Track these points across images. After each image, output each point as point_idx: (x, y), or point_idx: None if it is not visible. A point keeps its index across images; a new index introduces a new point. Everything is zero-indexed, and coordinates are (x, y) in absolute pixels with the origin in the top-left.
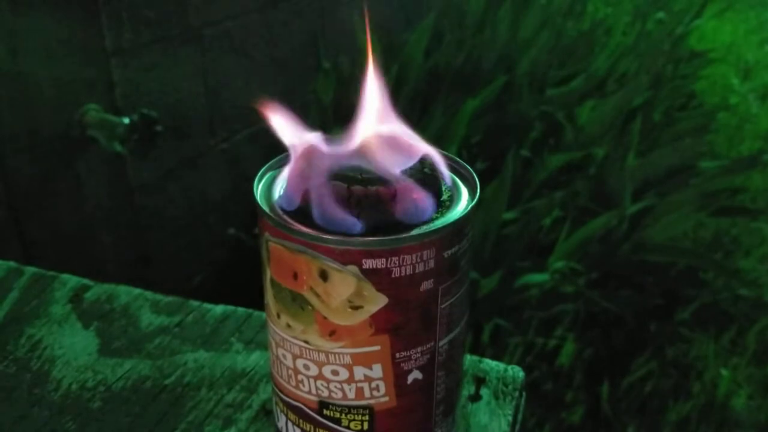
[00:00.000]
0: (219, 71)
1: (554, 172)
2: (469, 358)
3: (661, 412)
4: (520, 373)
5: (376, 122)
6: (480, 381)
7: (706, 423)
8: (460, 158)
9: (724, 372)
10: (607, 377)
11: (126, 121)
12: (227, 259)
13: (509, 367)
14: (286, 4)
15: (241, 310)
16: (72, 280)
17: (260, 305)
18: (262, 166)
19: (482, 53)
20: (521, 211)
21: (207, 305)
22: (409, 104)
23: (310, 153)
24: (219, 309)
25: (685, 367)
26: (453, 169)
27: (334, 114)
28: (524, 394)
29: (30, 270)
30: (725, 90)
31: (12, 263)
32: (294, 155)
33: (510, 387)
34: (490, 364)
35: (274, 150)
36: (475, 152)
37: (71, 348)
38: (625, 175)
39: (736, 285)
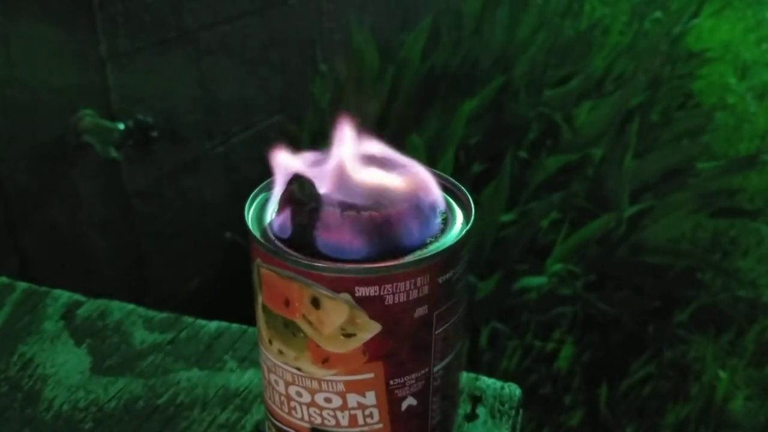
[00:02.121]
0: (215, 75)
1: (552, 173)
2: (465, 376)
3: (660, 414)
4: (517, 391)
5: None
6: (476, 400)
7: (705, 425)
8: (457, 160)
9: (722, 374)
10: (605, 380)
11: (121, 126)
12: (224, 263)
13: (506, 385)
14: (282, 7)
15: (235, 326)
16: (64, 296)
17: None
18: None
19: (479, 54)
20: (519, 213)
21: (201, 321)
22: (406, 106)
23: (301, 178)
24: (213, 325)
25: (684, 368)
26: (447, 191)
27: (331, 117)
28: (521, 411)
29: (22, 285)
30: (723, 89)
31: (4, 278)
32: (285, 180)
33: (506, 405)
34: (487, 382)
35: (270, 155)
36: (472, 154)
37: (63, 366)
38: (622, 177)
39: (735, 286)
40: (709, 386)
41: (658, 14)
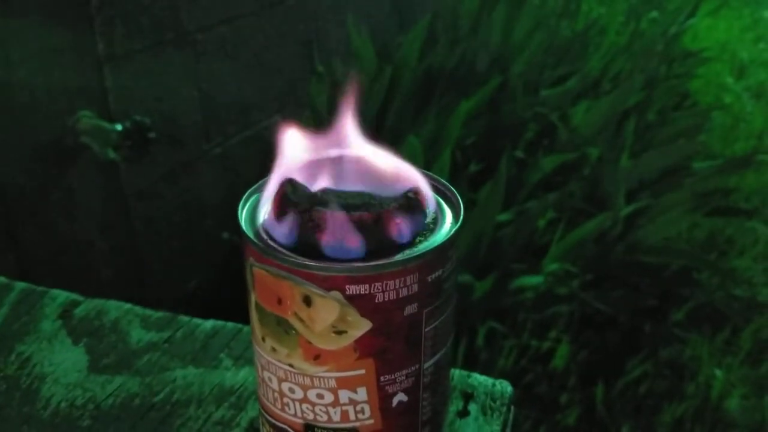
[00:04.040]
0: (213, 76)
1: (548, 173)
2: (457, 373)
3: (656, 413)
4: (508, 388)
5: (357, 147)
6: (468, 396)
7: (701, 424)
8: (454, 160)
9: (718, 372)
10: (601, 379)
11: (119, 127)
12: (222, 263)
13: (497, 382)
14: (279, 8)
15: (230, 325)
16: (61, 296)
17: None
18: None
19: (476, 55)
20: (516, 212)
21: (197, 320)
22: (404, 106)
23: (293, 179)
24: (209, 324)
25: (680, 367)
26: (437, 191)
27: (328, 118)
28: (512, 408)
29: (19, 285)
30: (719, 89)
31: (2, 278)
32: (277, 180)
33: (498, 402)
34: (478, 379)
35: (269, 154)
36: (469, 154)
37: (61, 365)
38: (619, 176)
39: (731, 285)
40: (705, 385)
41: (654, 14)
